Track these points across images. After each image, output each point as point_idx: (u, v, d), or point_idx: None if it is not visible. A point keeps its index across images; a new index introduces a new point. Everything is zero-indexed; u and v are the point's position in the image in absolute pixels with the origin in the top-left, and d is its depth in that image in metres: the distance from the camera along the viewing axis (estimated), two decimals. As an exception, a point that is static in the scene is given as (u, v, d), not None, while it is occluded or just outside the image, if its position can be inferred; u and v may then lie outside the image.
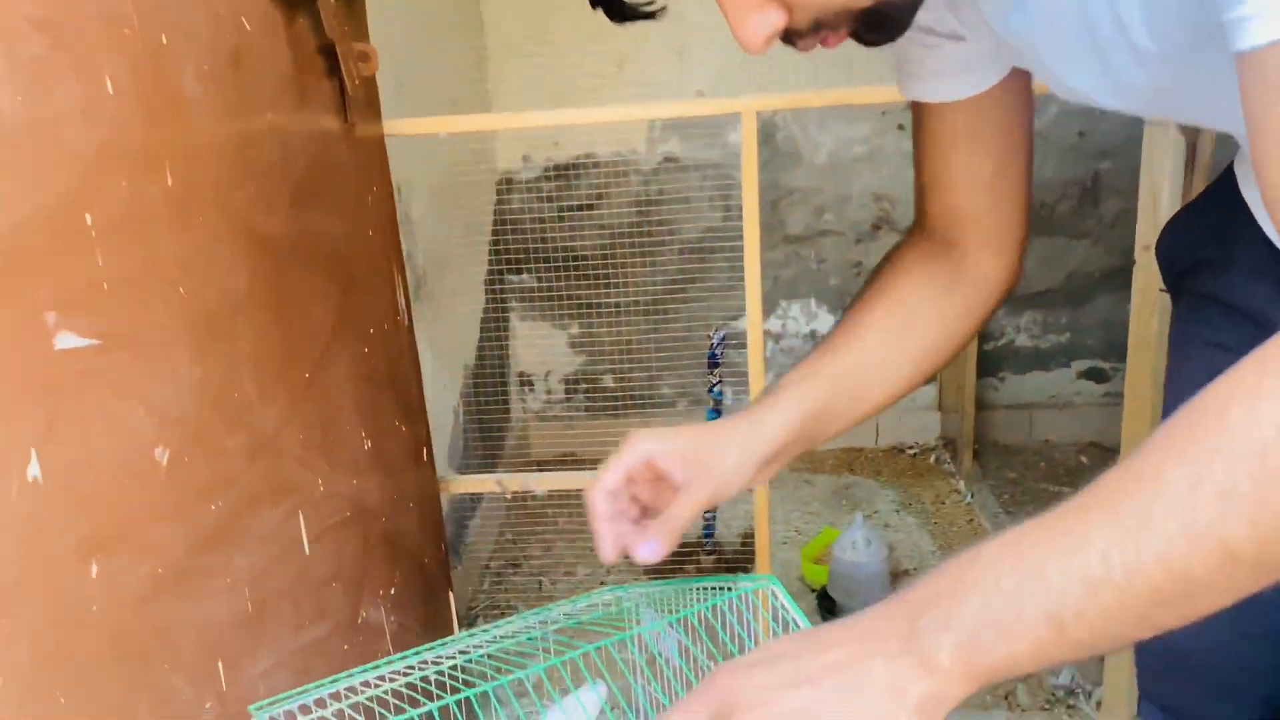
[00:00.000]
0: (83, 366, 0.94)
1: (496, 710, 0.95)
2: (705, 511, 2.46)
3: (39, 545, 0.88)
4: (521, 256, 3.31)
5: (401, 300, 1.71)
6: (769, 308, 3.32)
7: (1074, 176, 3.16)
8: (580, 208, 3.25)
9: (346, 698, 0.96)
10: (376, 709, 0.94)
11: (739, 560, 2.62)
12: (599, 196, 3.23)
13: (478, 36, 3.10)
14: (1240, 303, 0.98)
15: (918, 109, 1.02)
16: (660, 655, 1.19)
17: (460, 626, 1.93)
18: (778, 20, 0.74)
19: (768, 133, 3.15)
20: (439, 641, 1.02)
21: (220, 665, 1.17)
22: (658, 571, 2.28)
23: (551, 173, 3.22)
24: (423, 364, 1.96)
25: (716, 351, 2.24)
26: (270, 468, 1.28)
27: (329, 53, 1.43)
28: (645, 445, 0.94)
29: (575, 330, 3.41)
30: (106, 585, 0.97)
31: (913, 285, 1.05)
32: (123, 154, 1.01)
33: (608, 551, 0.95)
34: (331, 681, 0.97)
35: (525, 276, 3.36)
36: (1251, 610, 0.62)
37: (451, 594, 1.88)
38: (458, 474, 2.39)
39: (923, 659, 0.62)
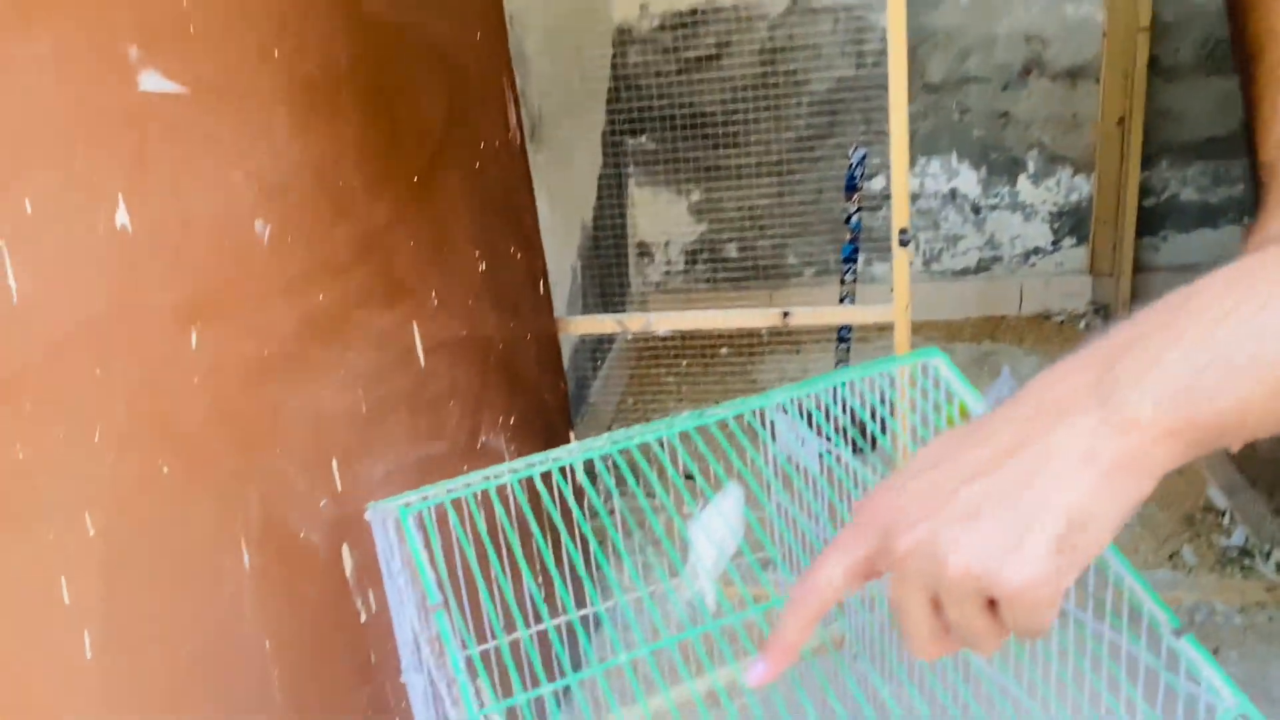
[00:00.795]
0: (171, 115, 0.87)
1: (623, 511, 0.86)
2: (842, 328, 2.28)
3: (131, 298, 0.82)
4: (640, 117, 3.16)
5: (513, 117, 1.61)
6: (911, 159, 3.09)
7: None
8: (702, 61, 3.07)
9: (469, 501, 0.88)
10: (499, 508, 0.86)
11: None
12: (722, 48, 3.04)
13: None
14: None
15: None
16: (799, 467, 1.08)
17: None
18: None
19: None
20: (565, 448, 0.94)
21: (335, 463, 1.12)
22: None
23: (671, 23, 3.04)
24: (539, 211, 1.87)
25: (855, 173, 2.06)
26: (381, 268, 1.21)
27: None
28: None
29: (697, 196, 3.27)
30: (209, 358, 0.91)
31: None
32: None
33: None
34: (455, 485, 0.89)
35: (644, 139, 3.22)
36: None
37: (572, 434, 1.81)
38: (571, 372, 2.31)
39: (1116, 412, 0.48)
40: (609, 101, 3.08)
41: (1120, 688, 0.75)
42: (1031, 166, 3.07)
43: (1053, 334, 3.04)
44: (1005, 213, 3.13)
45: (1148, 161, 2.95)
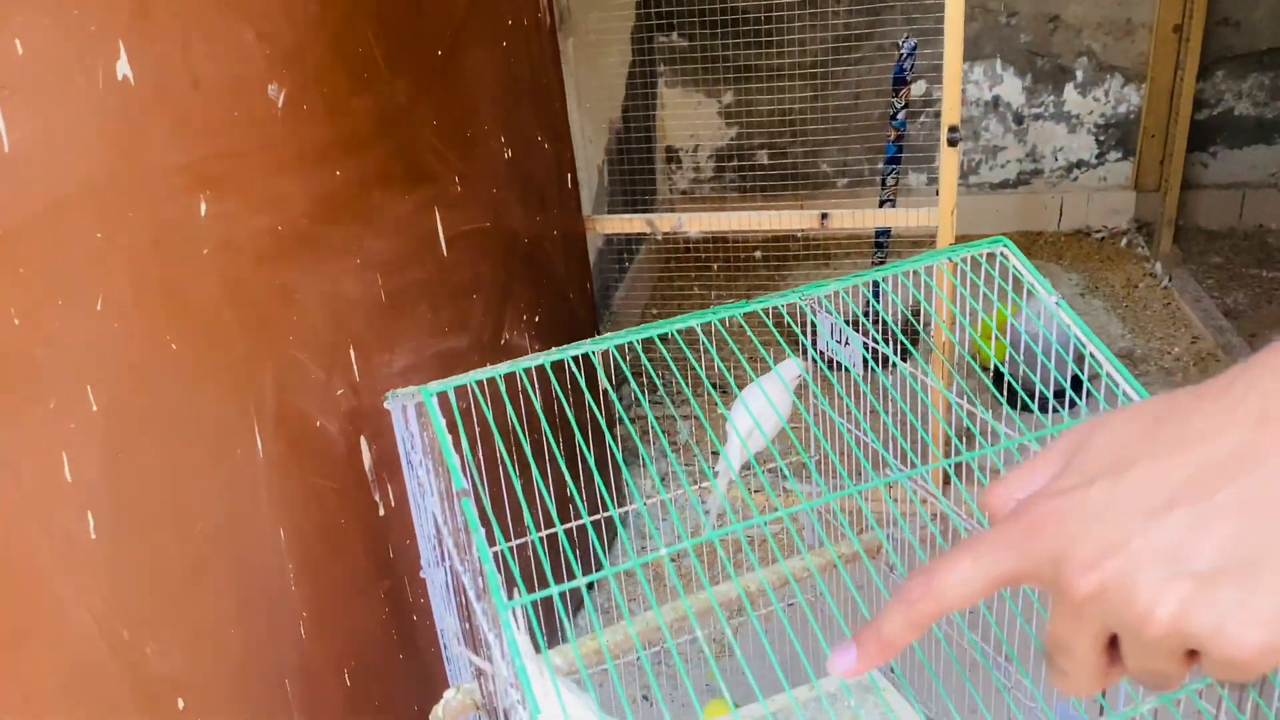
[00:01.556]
0: (175, -40, 0.79)
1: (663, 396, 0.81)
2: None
3: (135, 157, 0.76)
4: (672, 12, 3.02)
5: (542, 4, 1.51)
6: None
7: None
8: (738, -46, 2.92)
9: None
10: (527, 398, 0.81)
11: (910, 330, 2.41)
12: (759, -60, 2.89)
13: None
14: None
15: None
16: (843, 360, 1.02)
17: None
18: None
19: None
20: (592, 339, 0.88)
21: (352, 352, 1.07)
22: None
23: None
24: (568, 99, 1.78)
25: (905, 66, 1.95)
26: (401, 147, 1.14)
27: None
28: None
29: (729, 99, 3.15)
30: (219, 230, 0.85)
31: None
32: None
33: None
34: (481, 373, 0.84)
35: (675, 36, 3.09)
36: None
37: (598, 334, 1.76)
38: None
39: None
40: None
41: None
42: (1080, 75, 2.93)
43: (1092, 251, 2.93)
44: (1049, 123, 3.00)
45: (1203, 72, 2.81)
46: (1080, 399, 1.97)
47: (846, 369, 1.61)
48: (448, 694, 0.80)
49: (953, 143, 1.57)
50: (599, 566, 1.59)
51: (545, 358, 0.74)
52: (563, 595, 0.60)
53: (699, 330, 0.90)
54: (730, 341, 0.90)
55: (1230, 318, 2.49)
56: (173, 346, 0.81)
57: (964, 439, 1.75)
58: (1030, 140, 3.03)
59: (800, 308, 1.12)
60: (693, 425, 2.04)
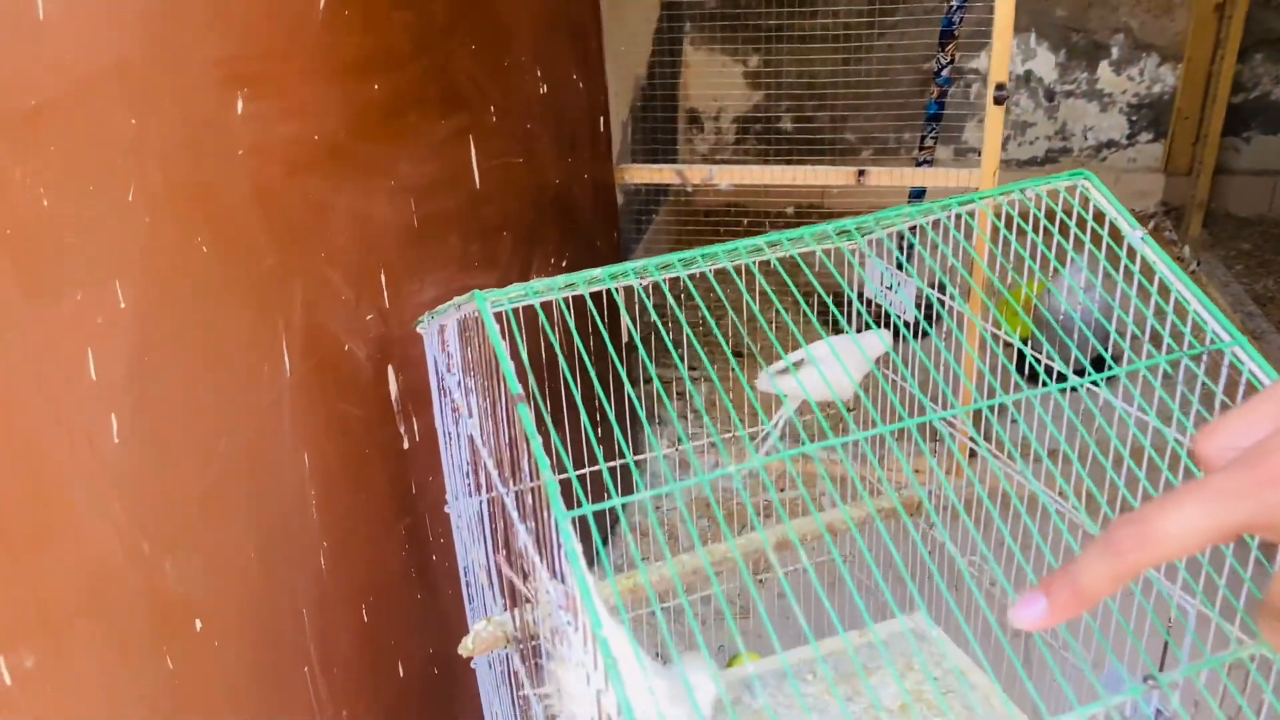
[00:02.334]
0: None
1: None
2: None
3: (172, 44, 0.72)
4: (701, -28, 2.96)
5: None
6: (979, 43, 2.90)
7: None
8: (772, -88, 2.86)
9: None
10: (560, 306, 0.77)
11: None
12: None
13: None
14: None
15: None
16: (890, 309, 0.98)
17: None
18: None
19: None
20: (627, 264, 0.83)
21: (383, 276, 1.02)
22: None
23: None
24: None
25: (954, 18, 1.89)
26: (438, 69, 1.10)
27: None
28: None
29: (754, 62, 3.09)
30: (254, 132, 0.81)
31: None
32: None
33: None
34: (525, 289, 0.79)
35: (703, -4, 3.02)
36: None
37: (623, 286, 1.72)
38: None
39: None
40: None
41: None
42: (1115, 52, 2.87)
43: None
44: (1081, 101, 2.95)
45: (1241, 54, 2.75)
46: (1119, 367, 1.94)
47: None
48: (478, 625, 0.76)
49: (999, 101, 1.52)
50: (621, 515, 1.55)
51: (605, 275, 0.69)
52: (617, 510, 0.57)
53: (733, 272, 0.86)
54: (764, 285, 0.86)
55: (1259, 304, 2.45)
56: (204, 249, 0.76)
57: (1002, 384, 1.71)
58: (1061, 117, 2.97)
59: (843, 252, 1.08)
60: (730, 379, 2.00)
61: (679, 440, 1.87)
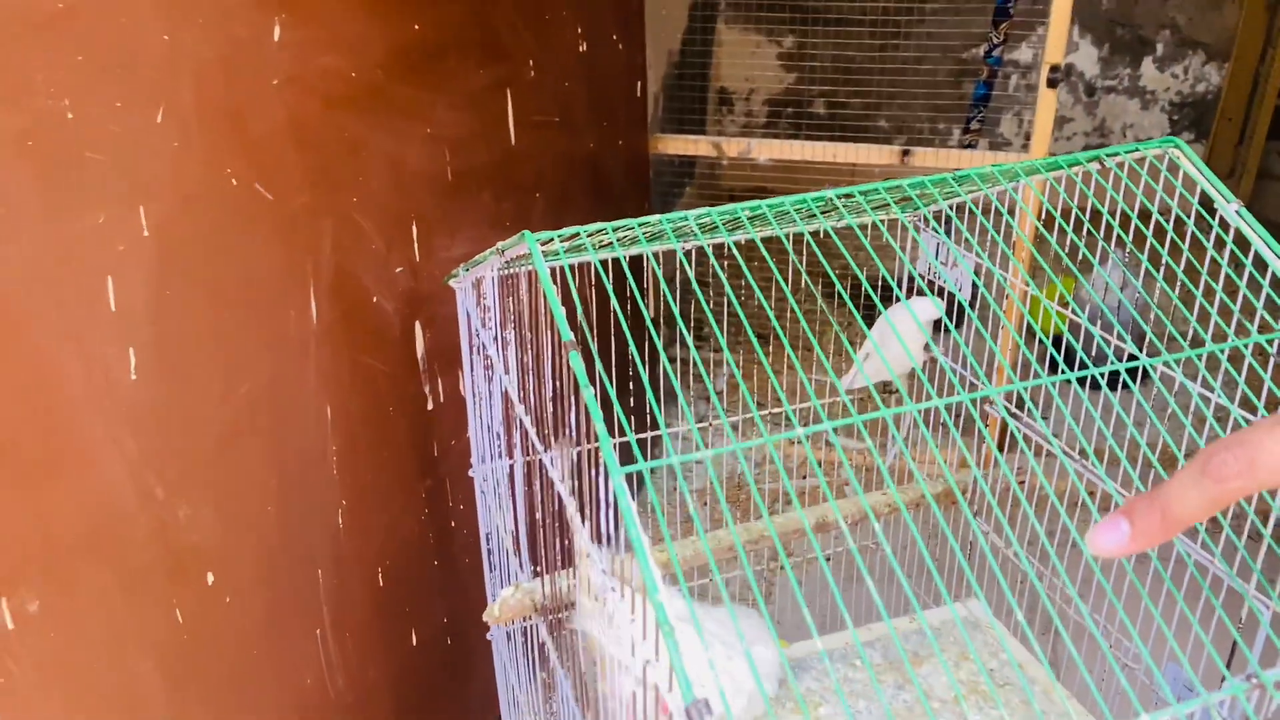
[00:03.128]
0: None
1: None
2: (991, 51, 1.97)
3: (210, -43, 0.67)
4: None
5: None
6: (1021, 33, 2.84)
7: None
8: (816, -111, 2.79)
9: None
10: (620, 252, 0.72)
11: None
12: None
13: None
14: None
15: None
16: (949, 285, 0.94)
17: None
18: None
19: None
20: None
21: (414, 227, 0.98)
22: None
23: None
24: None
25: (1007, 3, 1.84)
26: (479, 14, 1.05)
27: None
28: None
29: (789, 43, 3.03)
30: (291, 61, 0.76)
31: None
32: None
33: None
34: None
35: (740, -27, 2.96)
36: None
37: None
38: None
39: None
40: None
41: None
42: (1160, 49, 2.81)
43: (1156, 235, 2.83)
44: (1122, 97, 2.88)
45: (1290, 56, 2.68)
46: (1153, 373, 1.89)
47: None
48: (505, 592, 0.72)
49: (1053, 83, 1.47)
50: (643, 486, 1.51)
51: (663, 219, 0.65)
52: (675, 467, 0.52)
53: (785, 239, 0.82)
54: (820, 255, 0.81)
55: (1297, 311, 2.39)
56: (233, 181, 0.72)
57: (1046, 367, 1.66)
58: (1100, 113, 2.91)
59: (893, 226, 1.04)
60: (758, 360, 1.96)
61: (710, 415, 1.82)
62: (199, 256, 0.70)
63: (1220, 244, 0.75)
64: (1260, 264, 0.71)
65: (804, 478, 1.71)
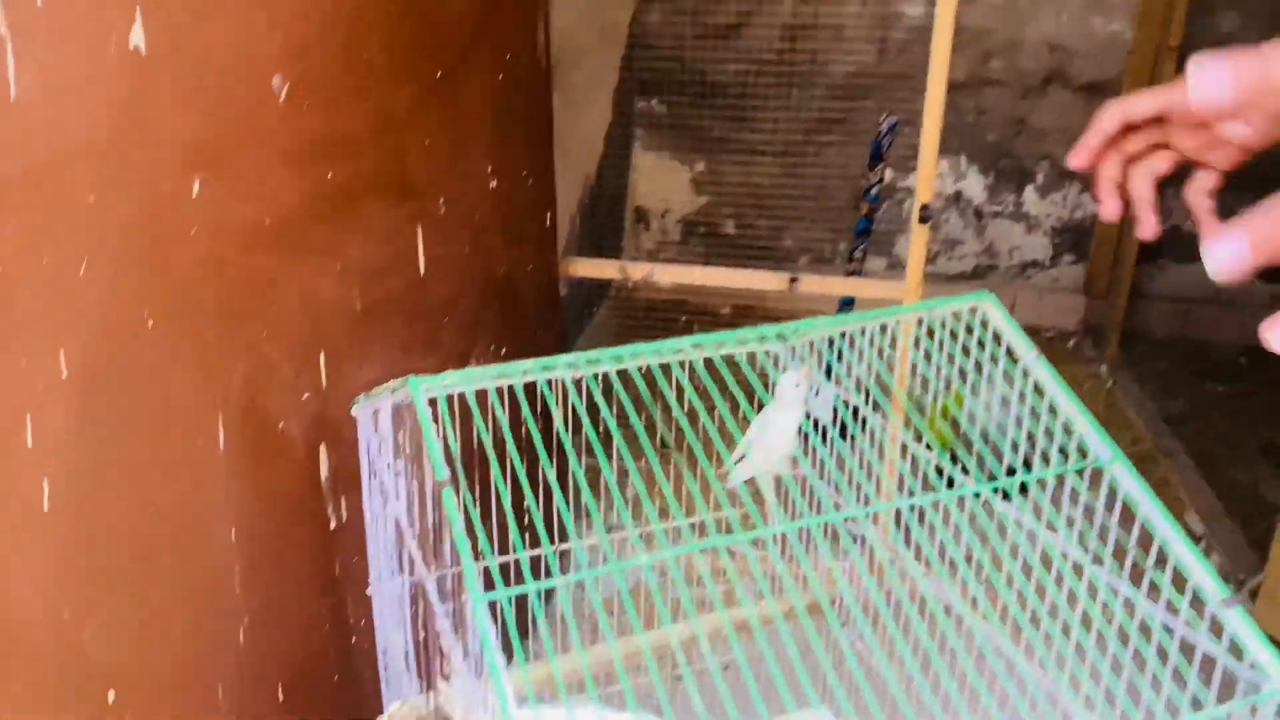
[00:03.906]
0: (200, -60, 0.80)
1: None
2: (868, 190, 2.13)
3: (137, 127, 0.75)
4: (653, 79, 3.10)
5: (541, 38, 1.54)
6: (913, 164, 3.06)
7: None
8: (723, 29, 3.01)
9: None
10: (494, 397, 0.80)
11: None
12: (744, 17, 2.98)
13: None
14: None
15: None
16: (815, 411, 1.03)
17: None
18: None
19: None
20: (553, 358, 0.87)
21: (323, 357, 1.05)
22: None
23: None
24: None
25: (883, 142, 2.01)
26: (394, 159, 1.14)
27: None
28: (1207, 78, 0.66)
29: (701, 168, 3.21)
30: (209, 212, 0.84)
31: None
32: None
33: (1108, 207, 0.77)
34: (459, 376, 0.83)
35: (655, 102, 3.15)
36: None
37: (561, 376, 1.76)
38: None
39: None
40: (624, 59, 3.01)
41: (1148, 662, 0.70)
42: (1040, 178, 3.04)
43: (1041, 348, 3.01)
44: (1007, 222, 3.11)
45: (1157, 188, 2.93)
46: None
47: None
48: (392, 707, 0.77)
49: (924, 219, 1.62)
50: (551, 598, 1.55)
51: (538, 368, 0.73)
52: (543, 592, 0.59)
53: (659, 372, 0.90)
54: (687, 386, 0.90)
55: (1170, 424, 2.56)
56: (150, 323, 0.79)
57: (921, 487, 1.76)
58: (989, 236, 3.13)
59: (773, 354, 1.13)
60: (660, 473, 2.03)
61: (603, 531, 1.89)
62: (114, 393, 0.76)
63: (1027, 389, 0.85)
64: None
65: (702, 586, 1.78)
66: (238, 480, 0.92)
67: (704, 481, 0.85)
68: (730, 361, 0.95)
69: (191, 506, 0.87)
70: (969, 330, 0.88)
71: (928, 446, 1.03)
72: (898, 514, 0.89)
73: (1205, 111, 0.67)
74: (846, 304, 2.32)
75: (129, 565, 0.79)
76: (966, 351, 0.86)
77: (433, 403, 0.73)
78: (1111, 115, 0.74)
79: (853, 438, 1.01)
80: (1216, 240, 0.54)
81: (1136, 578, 0.74)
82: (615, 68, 2.94)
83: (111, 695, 0.78)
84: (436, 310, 1.30)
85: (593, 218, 2.77)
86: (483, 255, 1.43)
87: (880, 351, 0.94)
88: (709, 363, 0.91)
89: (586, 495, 0.71)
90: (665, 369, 0.88)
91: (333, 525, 1.10)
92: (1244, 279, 0.55)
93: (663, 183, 3.25)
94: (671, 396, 0.86)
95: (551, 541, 0.73)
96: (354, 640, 1.15)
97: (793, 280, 1.69)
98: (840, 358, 0.97)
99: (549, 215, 1.66)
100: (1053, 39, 2.88)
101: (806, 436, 0.97)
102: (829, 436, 1.01)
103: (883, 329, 0.98)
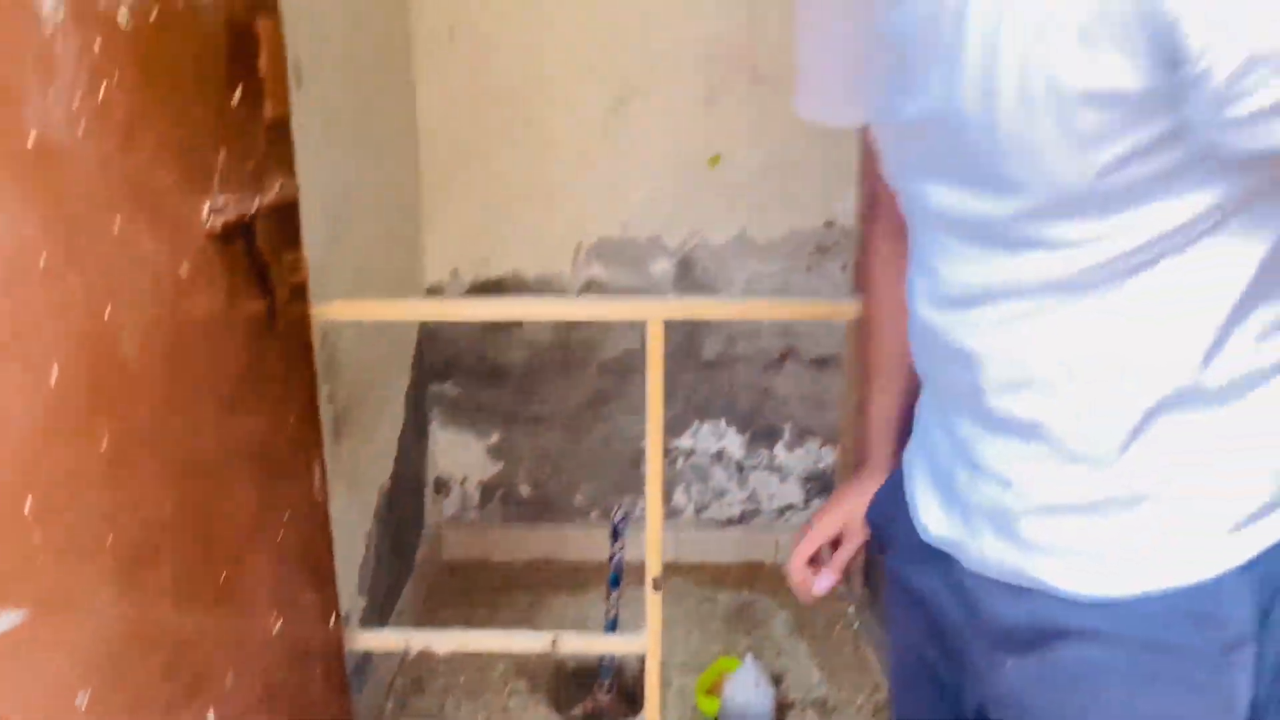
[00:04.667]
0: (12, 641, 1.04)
1: None
2: (604, 657, 2.57)
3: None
4: (446, 366, 3.43)
5: (317, 479, 1.82)
6: (682, 426, 3.49)
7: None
8: (505, 324, 3.38)
9: None
10: None
11: (640, 688, 2.75)
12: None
13: (412, 167, 3.23)
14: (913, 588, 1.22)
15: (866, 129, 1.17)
16: None
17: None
18: None
19: (687, 265, 3.33)
20: None
21: None
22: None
23: (479, 288, 3.35)
24: (338, 498, 2.07)
25: (619, 527, 2.39)
26: (172, 657, 1.38)
27: (263, 273, 1.55)
28: (834, 521, 1.37)
29: (495, 439, 3.53)
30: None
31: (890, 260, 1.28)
32: (60, 432, 1.12)
33: (806, 596, 1.37)
34: None
35: (448, 385, 3.47)
36: None
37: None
38: (364, 621, 2.48)
39: None
40: (417, 353, 3.33)
41: None
42: (787, 435, 3.52)
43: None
44: (764, 473, 3.55)
45: (883, 437, 3.45)
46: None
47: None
48: None
49: (656, 588, 1.96)
50: None
51: None
52: None
53: None
54: None
55: (905, 660, 2.99)
56: None
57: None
58: (750, 485, 3.56)
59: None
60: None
61: None
62: None
63: None
64: None
65: None
66: None
67: None
68: None
69: None
70: None
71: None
72: None
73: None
74: (614, 578, 2.64)
75: None
76: None
77: None
78: (799, 569, 1.37)
79: None
80: (819, 582, 1.20)
81: None
82: (408, 368, 3.25)
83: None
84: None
85: (391, 510, 3.01)
86: (274, 694, 1.66)
87: None
88: None
89: None
90: None
91: None
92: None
93: (460, 455, 3.54)
94: None
95: None
96: None
97: (554, 640, 1.99)
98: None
99: (333, 615, 1.91)
100: (784, 324, 3.39)
101: None
102: None
103: None
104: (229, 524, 1.50)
